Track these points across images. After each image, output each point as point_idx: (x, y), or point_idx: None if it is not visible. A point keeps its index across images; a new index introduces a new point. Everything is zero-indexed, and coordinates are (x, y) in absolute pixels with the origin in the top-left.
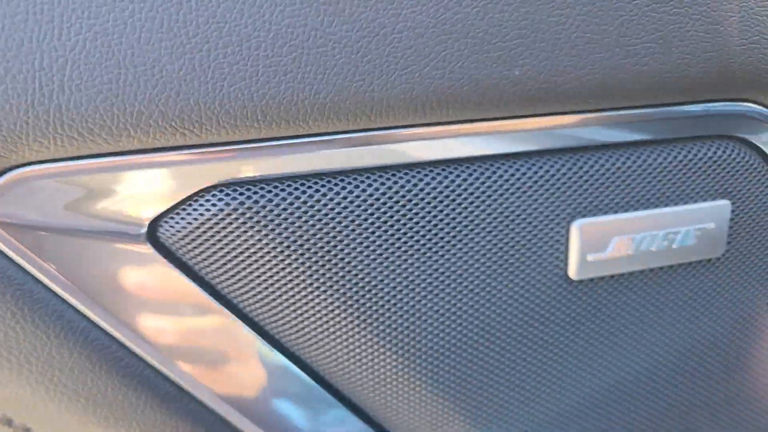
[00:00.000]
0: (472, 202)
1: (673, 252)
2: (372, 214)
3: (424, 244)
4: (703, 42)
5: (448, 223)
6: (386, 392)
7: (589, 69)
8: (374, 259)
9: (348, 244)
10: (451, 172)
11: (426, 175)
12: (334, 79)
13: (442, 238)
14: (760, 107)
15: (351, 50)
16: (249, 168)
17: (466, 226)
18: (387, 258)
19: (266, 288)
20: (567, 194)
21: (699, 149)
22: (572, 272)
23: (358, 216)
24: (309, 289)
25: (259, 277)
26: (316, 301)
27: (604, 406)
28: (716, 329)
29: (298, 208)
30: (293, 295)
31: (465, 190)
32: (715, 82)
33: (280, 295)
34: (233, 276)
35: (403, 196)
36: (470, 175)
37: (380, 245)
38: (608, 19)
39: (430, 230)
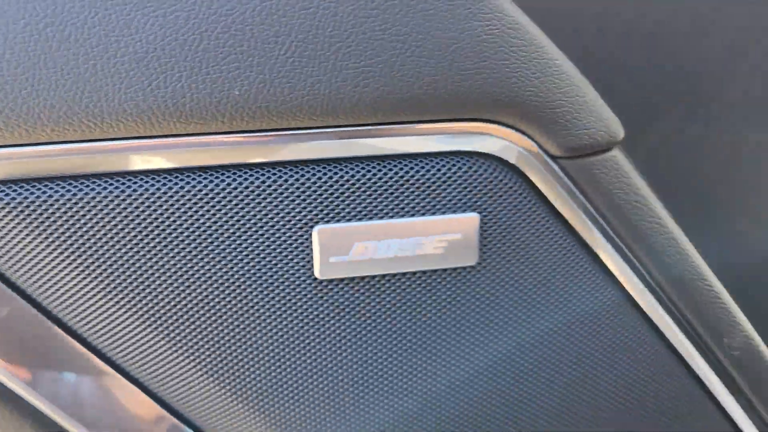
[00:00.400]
0: (213, 206)
1: (420, 259)
2: (120, 212)
3: (170, 242)
4: (427, 66)
5: (191, 225)
6: (174, 383)
7: (309, 90)
8: (127, 260)
9: (106, 242)
10: (193, 178)
11: (170, 180)
12: (65, 96)
13: (187, 237)
14: (503, 127)
15: (78, 71)
16: (14, 168)
17: (209, 227)
18: (137, 259)
19: (47, 281)
20: (307, 202)
21: (444, 164)
22: (317, 272)
23: (108, 214)
24: (81, 283)
25: (33, 268)
26: (92, 295)
27: (355, 403)
28: (477, 334)
29: (64, 204)
30: (70, 289)
31: (207, 195)
32: (449, 103)
33: (64, 290)
34: (15, 266)
35: (148, 199)
36: (211, 182)
37: (134, 244)
38: (323, 47)
39: (174, 230)
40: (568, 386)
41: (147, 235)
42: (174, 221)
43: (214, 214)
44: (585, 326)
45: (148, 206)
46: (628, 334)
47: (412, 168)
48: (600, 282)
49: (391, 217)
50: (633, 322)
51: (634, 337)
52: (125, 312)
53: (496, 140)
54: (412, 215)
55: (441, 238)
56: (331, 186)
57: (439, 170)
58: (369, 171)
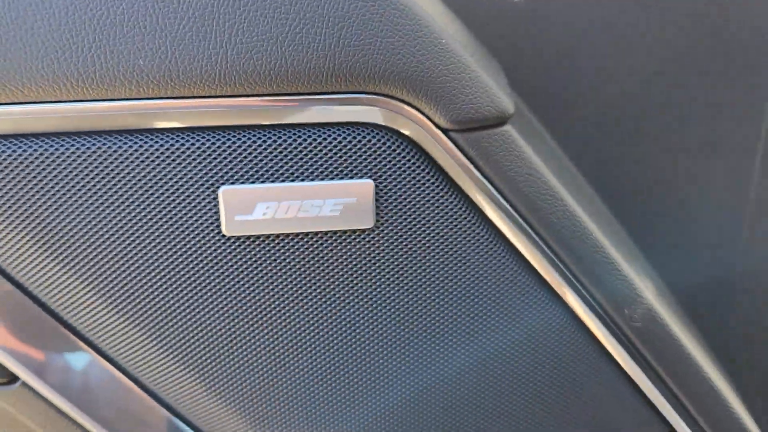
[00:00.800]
0: (126, 167)
1: (318, 220)
2: (37, 173)
3: (85, 201)
4: (316, 42)
5: (107, 184)
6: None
7: (206, 61)
8: (53, 222)
9: (35, 201)
10: (110, 140)
11: (86, 142)
12: None
13: (96, 199)
14: (394, 100)
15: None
16: None
17: (122, 186)
18: (55, 220)
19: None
20: (213, 164)
21: (340, 134)
22: (224, 229)
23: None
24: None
25: None
26: (20, 245)
27: (270, 352)
28: (377, 293)
29: None
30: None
31: (121, 156)
32: (339, 76)
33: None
34: None
35: (65, 160)
36: (125, 143)
37: (49, 205)
38: (219, 23)
39: (89, 190)
40: (468, 352)
41: (62, 196)
42: (89, 181)
43: (128, 174)
44: (483, 290)
45: (64, 167)
46: (525, 299)
47: (309, 136)
48: (496, 249)
49: (292, 180)
50: (532, 291)
51: (532, 305)
52: (67, 273)
53: (387, 112)
54: (312, 179)
55: (338, 201)
56: (235, 150)
57: (335, 139)
58: (269, 138)
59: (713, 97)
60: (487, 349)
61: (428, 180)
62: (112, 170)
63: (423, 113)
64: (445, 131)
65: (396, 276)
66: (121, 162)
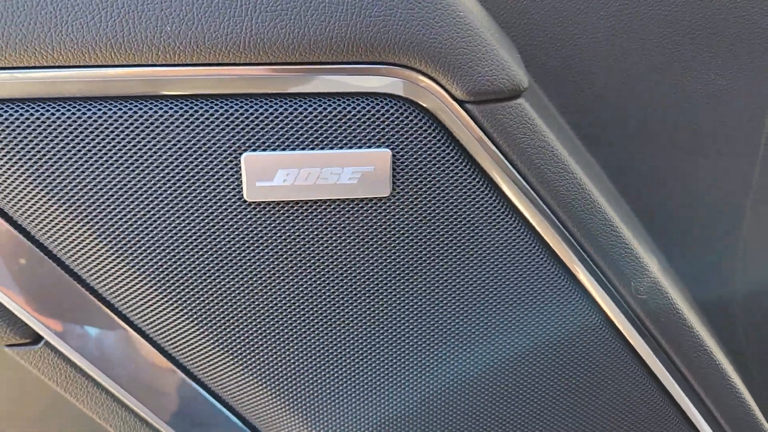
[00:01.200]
0: (152, 131)
1: (336, 187)
2: (65, 136)
3: (110, 165)
4: (339, 12)
5: (133, 147)
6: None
7: (231, 29)
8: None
9: (54, 162)
10: (135, 105)
11: (112, 106)
12: (21, 27)
13: (122, 163)
14: (413, 71)
15: (32, 7)
16: None
17: (149, 150)
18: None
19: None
20: (236, 131)
21: (359, 103)
22: (245, 195)
23: (59, 137)
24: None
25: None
26: (51, 208)
27: (269, 314)
28: (393, 260)
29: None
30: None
31: (147, 120)
32: (359, 46)
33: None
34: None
35: (92, 124)
36: (150, 109)
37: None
38: None
39: (116, 153)
40: (479, 323)
41: (87, 160)
42: (114, 146)
43: (153, 139)
44: (494, 259)
45: (90, 132)
46: (534, 269)
47: (330, 105)
48: (507, 219)
49: (312, 148)
50: (541, 261)
51: (541, 275)
52: (90, 232)
53: (406, 83)
54: (331, 148)
55: (356, 169)
56: (257, 118)
57: (354, 108)
58: (291, 106)
59: (716, 89)
60: (497, 321)
61: (444, 150)
62: (137, 135)
63: (440, 85)
64: (460, 103)
65: (411, 244)
66: (147, 127)
